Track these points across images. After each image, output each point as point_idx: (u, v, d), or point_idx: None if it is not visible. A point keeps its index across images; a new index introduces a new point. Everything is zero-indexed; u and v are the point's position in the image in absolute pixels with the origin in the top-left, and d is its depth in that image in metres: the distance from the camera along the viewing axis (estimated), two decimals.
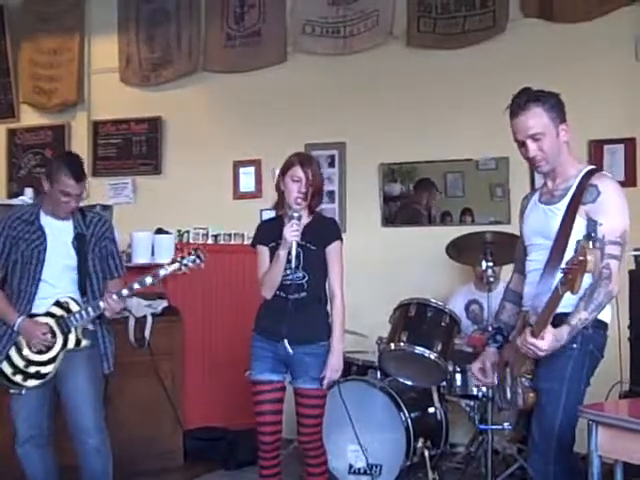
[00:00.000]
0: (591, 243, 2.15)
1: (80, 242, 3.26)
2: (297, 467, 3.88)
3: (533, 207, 2.74)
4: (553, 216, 2.57)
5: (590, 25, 4.68)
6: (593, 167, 2.64)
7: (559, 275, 2.31)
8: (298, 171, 3.10)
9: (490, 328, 3.72)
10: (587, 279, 2.42)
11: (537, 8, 4.84)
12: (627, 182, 4.52)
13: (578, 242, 2.21)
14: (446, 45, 5.05)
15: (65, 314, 3.17)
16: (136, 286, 3.17)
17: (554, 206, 2.59)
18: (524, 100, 2.58)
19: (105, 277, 3.33)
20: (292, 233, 3.00)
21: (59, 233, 3.25)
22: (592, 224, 2.47)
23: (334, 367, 3.11)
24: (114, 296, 3.15)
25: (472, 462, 4.15)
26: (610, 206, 2.49)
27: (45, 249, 3.21)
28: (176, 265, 3.18)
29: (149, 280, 3.17)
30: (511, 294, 2.88)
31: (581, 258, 2.13)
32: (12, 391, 3.18)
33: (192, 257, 3.18)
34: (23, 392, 3.17)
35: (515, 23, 4.87)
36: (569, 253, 2.44)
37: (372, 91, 5.22)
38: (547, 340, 2.37)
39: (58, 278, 3.21)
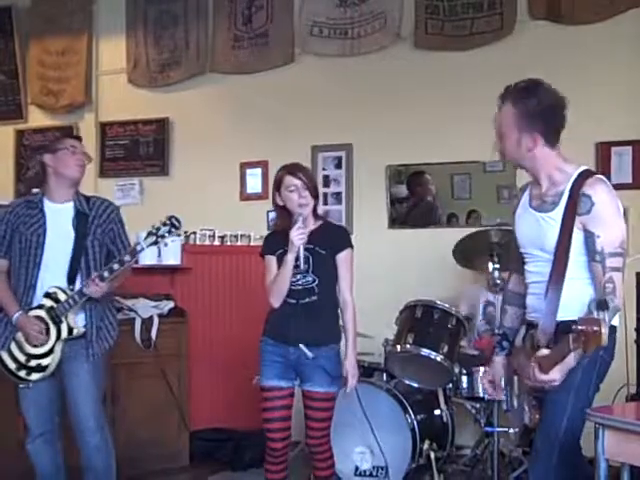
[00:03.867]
0: (606, 314, 2.08)
1: (80, 221, 3.24)
2: (304, 469, 3.88)
3: (524, 211, 2.64)
4: (548, 227, 2.49)
5: (598, 27, 4.67)
6: (584, 169, 2.52)
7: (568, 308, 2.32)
8: (291, 180, 3.12)
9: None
10: (590, 294, 2.42)
11: (545, 10, 4.82)
12: (634, 184, 4.53)
13: (590, 304, 2.16)
14: (454, 47, 5.04)
15: (54, 304, 3.17)
16: (116, 266, 3.12)
17: (547, 214, 2.50)
18: (504, 96, 2.54)
19: (109, 261, 3.24)
20: (298, 236, 3.01)
21: (59, 215, 3.24)
22: (589, 236, 2.41)
23: (354, 374, 3.15)
24: (97, 280, 3.11)
25: (478, 464, 4.14)
26: (606, 216, 2.41)
27: (45, 232, 3.21)
28: (152, 238, 3.10)
29: (127, 258, 3.13)
30: (511, 296, 2.79)
31: (595, 329, 2.05)
32: (21, 386, 3.22)
33: (167, 227, 3.09)
34: (30, 386, 3.20)
35: (523, 25, 4.86)
36: (570, 267, 2.43)
37: (379, 92, 5.21)
38: (558, 371, 2.34)
39: (58, 261, 3.20)
